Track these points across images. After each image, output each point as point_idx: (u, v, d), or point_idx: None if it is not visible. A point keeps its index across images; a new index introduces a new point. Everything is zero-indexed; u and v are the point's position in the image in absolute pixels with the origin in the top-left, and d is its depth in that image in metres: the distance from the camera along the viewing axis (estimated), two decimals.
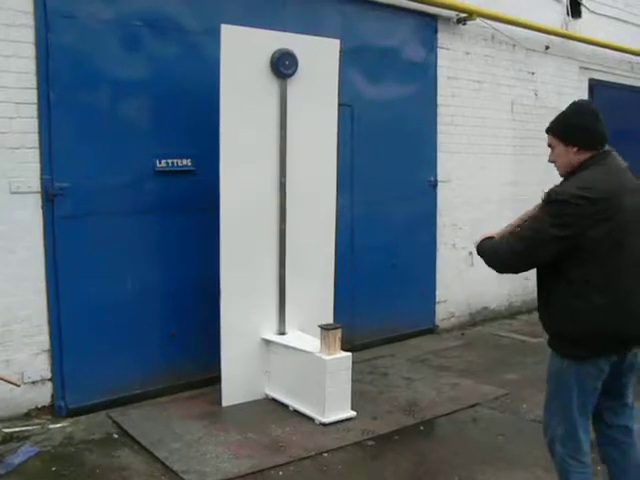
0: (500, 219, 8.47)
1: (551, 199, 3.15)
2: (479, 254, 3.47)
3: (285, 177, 5.61)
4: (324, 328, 5.18)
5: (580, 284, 3.15)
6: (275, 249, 5.67)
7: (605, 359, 3.22)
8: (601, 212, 3.08)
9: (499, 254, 3.36)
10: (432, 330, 7.87)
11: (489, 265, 3.44)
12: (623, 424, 3.45)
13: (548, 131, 3.40)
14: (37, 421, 5.19)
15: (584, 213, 3.07)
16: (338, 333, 5.19)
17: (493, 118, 8.45)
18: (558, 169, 3.39)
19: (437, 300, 7.95)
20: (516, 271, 3.42)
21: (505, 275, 8.65)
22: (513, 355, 7.10)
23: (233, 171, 5.34)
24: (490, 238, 3.49)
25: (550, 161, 3.42)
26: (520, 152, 8.77)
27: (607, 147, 3.30)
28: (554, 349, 3.36)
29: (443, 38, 7.85)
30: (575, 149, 3.26)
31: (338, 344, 5.19)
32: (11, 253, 5.08)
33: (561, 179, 3.37)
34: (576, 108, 3.36)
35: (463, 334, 7.92)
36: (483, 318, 8.42)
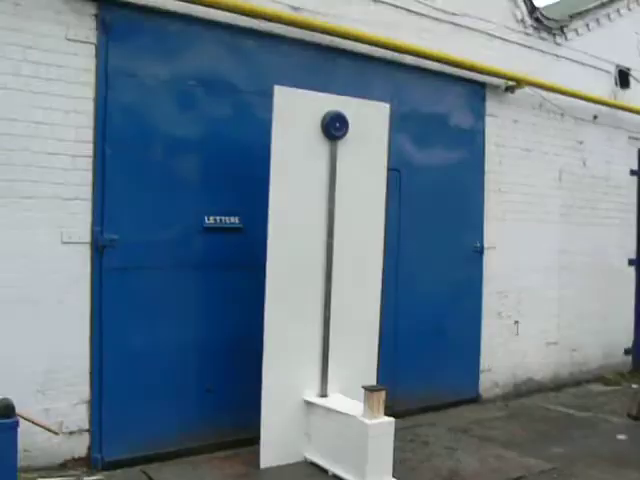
0: (547, 288, 8.43)
1: None
2: None
3: (332, 238, 5.60)
4: (368, 389, 5.08)
5: None
6: (320, 309, 5.62)
7: None
8: None
9: None
10: (475, 399, 7.67)
11: None
12: None
13: None
14: (73, 472, 5.15)
15: None
16: (382, 395, 5.07)
17: (540, 186, 8.39)
18: None
19: (481, 369, 7.77)
20: None
21: (551, 346, 8.53)
22: (560, 428, 6.84)
23: (281, 230, 5.36)
24: None
25: None
26: (568, 220, 8.64)
27: None
28: None
29: (491, 106, 7.89)
30: None
31: (382, 407, 5.06)
32: (60, 302, 5.14)
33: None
34: None
35: (507, 405, 7.69)
36: (528, 389, 8.19)
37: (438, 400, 7.23)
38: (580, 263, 8.78)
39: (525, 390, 8.16)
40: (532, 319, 8.30)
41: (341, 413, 5.27)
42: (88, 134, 5.26)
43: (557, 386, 8.49)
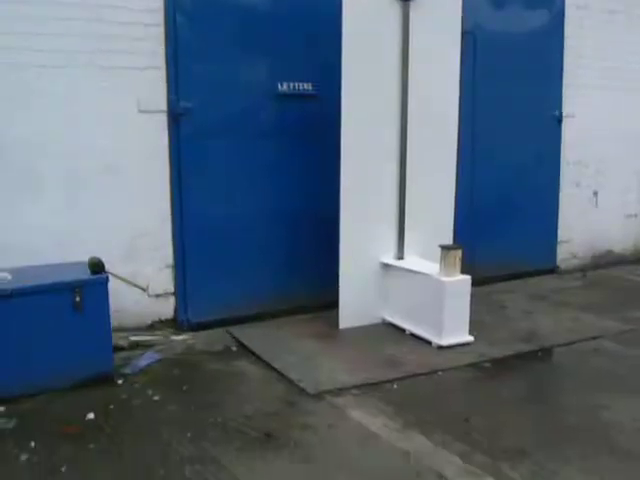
0: (628, 159, 8.12)
1: None
2: None
3: (407, 102, 5.52)
4: (445, 248, 5.11)
5: None
6: (395, 174, 5.61)
7: None
8: None
9: None
10: (553, 270, 7.62)
11: None
12: None
13: None
14: (160, 332, 5.42)
15: None
16: (458, 254, 5.10)
17: (627, 51, 7.95)
18: None
19: (559, 240, 7.67)
20: None
21: (631, 218, 8.30)
22: (638, 296, 6.78)
23: (355, 95, 5.26)
24: None
25: None
26: None
27: None
28: None
29: None
30: None
31: (458, 266, 5.09)
32: (139, 170, 5.29)
33: None
34: None
35: (585, 275, 7.61)
36: (606, 261, 8.06)
37: (516, 270, 7.21)
38: None
39: (604, 262, 8.04)
40: (612, 190, 8.08)
41: (418, 273, 5.34)
42: (159, 2, 5.24)
43: (637, 259, 8.34)
